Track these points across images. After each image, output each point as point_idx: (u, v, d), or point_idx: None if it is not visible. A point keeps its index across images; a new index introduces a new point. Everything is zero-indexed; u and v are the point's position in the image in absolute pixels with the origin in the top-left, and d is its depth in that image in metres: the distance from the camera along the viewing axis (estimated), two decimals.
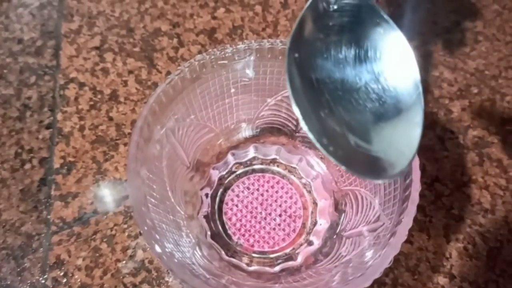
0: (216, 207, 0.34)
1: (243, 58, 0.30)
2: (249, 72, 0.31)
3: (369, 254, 0.26)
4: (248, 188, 0.34)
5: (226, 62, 0.30)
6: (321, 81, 0.23)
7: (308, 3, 0.23)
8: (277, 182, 0.35)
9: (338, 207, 0.33)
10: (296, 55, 0.22)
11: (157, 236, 0.24)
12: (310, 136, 0.21)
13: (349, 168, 0.21)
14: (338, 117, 0.23)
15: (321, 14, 0.23)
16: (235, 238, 0.33)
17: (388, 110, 0.24)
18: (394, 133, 0.24)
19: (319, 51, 0.24)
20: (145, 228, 0.24)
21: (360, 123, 0.24)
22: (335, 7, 0.24)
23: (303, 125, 0.20)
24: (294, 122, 0.34)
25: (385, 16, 0.24)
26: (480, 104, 0.39)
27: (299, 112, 0.20)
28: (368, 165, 0.23)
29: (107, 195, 0.35)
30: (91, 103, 0.38)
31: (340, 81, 0.24)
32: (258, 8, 0.44)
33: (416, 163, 0.25)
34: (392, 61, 0.24)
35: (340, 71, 0.24)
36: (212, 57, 0.29)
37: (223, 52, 0.29)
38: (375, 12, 0.24)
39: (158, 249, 0.24)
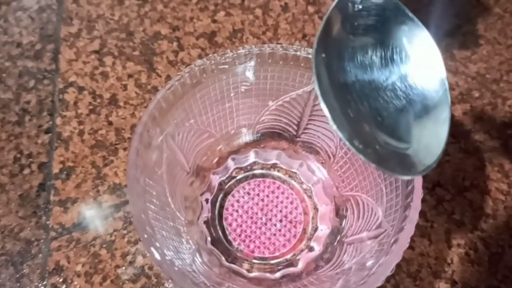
0: (216, 212, 0.33)
1: (244, 63, 0.30)
2: (250, 77, 0.31)
3: (371, 261, 0.26)
4: (249, 193, 0.34)
5: (226, 67, 0.29)
6: (348, 81, 0.24)
7: (334, 3, 0.23)
8: (278, 187, 0.34)
9: (339, 213, 0.32)
10: (323, 55, 0.22)
11: (157, 244, 0.24)
12: (340, 135, 0.21)
13: (379, 166, 0.21)
14: (366, 116, 0.24)
15: (346, 14, 0.24)
16: (235, 243, 0.32)
17: (415, 108, 0.24)
18: (422, 130, 0.24)
19: (345, 50, 0.24)
20: (145, 236, 0.24)
21: (388, 121, 0.24)
22: (360, 7, 0.24)
23: (332, 124, 0.21)
24: (295, 127, 0.34)
25: (410, 14, 0.24)
26: (482, 108, 0.39)
27: (328, 112, 0.21)
28: (397, 162, 0.23)
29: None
30: (91, 107, 0.38)
31: (367, 80, 0.24)
32: (259, 12, 0.44)
33: None
34: (418, 59, 0.24)
35: (366, 70, 0.24)
36: (213, 62, 0.29)
37: (223, 57, 0.29)
38: (400, 10, 0.24)
39: (158, 257, 0.23)
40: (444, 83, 0.24)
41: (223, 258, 0.31)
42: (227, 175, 0.35)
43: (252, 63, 0.30)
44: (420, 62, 0.24)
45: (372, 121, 0.24)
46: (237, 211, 0.33)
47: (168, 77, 0.40)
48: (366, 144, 0.22)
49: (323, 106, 0.21)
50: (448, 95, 0.24)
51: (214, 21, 0.43)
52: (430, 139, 0.24)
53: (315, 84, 0.21)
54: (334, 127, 0.21)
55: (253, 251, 0.32)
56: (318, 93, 0.21)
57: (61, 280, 0.32)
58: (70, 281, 0.32)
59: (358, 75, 0.24)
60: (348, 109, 0.23)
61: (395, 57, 0.24)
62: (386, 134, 0.24)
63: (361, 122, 0.23)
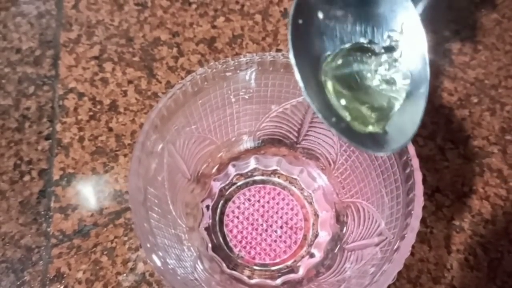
0: (217, 219, 0.33)
1: (245, 70, 0.30)
2: (251, 84, 0.31)
3: (372, 269, 0.26)
4: (249, 200, 0.34)
5: (228, 74, 0.30)
6: (325, 51, 0.23)
7: None
8: (278, 194, 0.35)
9: (339, 219, 0.33)
10: (300, 21, 0.21)
11: (160, 253, 0.24)
12: (313, 107, 0.20)
13: (352, 141, 0.21)
14: (342, 89, 0.23)
15: None
16: (236, 250, 0.32)
17: (392, 82, 0.24)
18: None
19: (325, 18, 0.23)
20: (148, 245, 0.24)
21: (363, 95, 0.24)
22: None
23: (305, 95, 0.20)
24: (296, 134, 0.34)
25: None
26: (480, 114, 0.39)
27: (301, 82, 0.20)
28: (370, 138, 0.22)
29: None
30: (91, 113, 0.38)
31: (345, 51, 0.23)
32: (258, 17, 0.44)
33: (419, 177, 0.25)
34: (400, 31, 0.23)
35: (345, 41, 0.23)
36: (214, 70, 0.29)
37: (225, 65, 0.29)
38: None
39: (161, 266, 0.23)
40: (424, 57, 0.23)
41: (224, 265, 0.31)
42: (227, 182, 0.35)
43: (254, 71, 0.30)
44: (401, 35, 0.23)
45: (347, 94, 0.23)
46: (237, 217, 0.34)
47: (168, 83, 0.40)
48: (339, 118, 0.22)
49: (297, 75, 0.20)
50: (427, 69, 0.23)
51: (214, 27, 0.43)
52: (405, 116, 0.23)
53: (290, 52, 0.20)
54: (307, 98, 0.20)
55: (254, 258, 0.32)
56: (293, 61, 0.20)
57: (62, 287, 0.32)
58: None
59: (336, 46, 0.23)
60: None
61: (375, 28, 0.24)
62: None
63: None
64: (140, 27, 0.43)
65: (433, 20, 0.44)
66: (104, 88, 0.39)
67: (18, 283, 0.32)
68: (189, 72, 0.40)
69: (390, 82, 0.24)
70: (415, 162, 0.26)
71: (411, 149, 0.26)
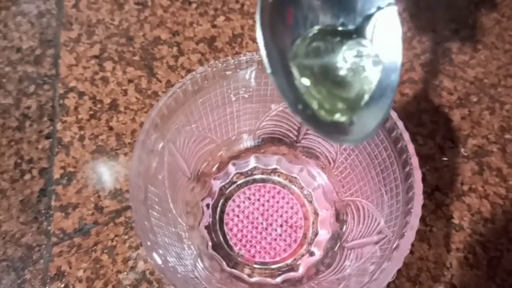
0: (217, 217, 0.34)
1: (245, 69, 0.30)
2: (251, 83, 0.31)
3: (371, 267, 0.26)
4: (249, 198, 0.34)
5: (228, 73, 0.30)
6: (296, 32, 0.22)
7: None
8: (278, 192, 0.35)
9: (339, 218, 0.33)
10: (270, 0, 0.20)
11: (160, 251, 0.24)
12: (279, 92, 0.20)
13: (317, 129, 0.21)
14: (310, 75, 0.22)
15: None
16: (236, 248, 0.32)
17: (362, 71, 0.23)
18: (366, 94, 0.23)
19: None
20: (148, 243, 0.24)
21: (331, 83, 0.23)
22: None
23: (271, 80, 0.19)
24: (295, 132, 0.34)
25: None
26: (480, 113, 0.40)
27: (268, 66, 0.19)
28: (335, 127, 0.22)
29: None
30: (91, 112, 0.38)
31: (317, 34, 0.23)
32: None
33: (419, 176, 0.26)
34: (373, 12, 0.23)
35: (316, 20, 0.23)
36: (214, 69, 0.29)
37: (225, 64, 0.29)
38: None
39: (161, 264, 0.24)
40: (398, 44, 0.22)
41: (224, 263, 0.31)
42: (227, 180, 0.35)
43: (254, 69, 0.30)
44: (375, 21, 0.23)
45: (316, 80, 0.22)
46: (237, 216, 0.34)
47: (168, 82, 0.40)
48: (306, 105, 0.21)
49: (264, 58, 0.19)
50: (400, 56, 0.22)
51: (214, 26, 0.43)
52: (374, 105, 0.23)
53: (257, 31, 0.19)
54: (273, 82, 0.19)
55: (254, 256, 0.32)
56: (260, 41, 0.19)
57: (62, 285, 0.32)
58: (71, 287, 0.32)
59: (307, 27, 0.22)
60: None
61: (348, 11, 0.23)
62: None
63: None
64: (140, 26, 0.43)
65: (432, 19, 0.44)
66: (105, 87, 0.40)
67: (19, 281, 0.32)
68: (189, 71, 0.40)
69: (360, 69, 0.23)
70: (415, 161, 0.26)
71: (411, 148, 0.26)
